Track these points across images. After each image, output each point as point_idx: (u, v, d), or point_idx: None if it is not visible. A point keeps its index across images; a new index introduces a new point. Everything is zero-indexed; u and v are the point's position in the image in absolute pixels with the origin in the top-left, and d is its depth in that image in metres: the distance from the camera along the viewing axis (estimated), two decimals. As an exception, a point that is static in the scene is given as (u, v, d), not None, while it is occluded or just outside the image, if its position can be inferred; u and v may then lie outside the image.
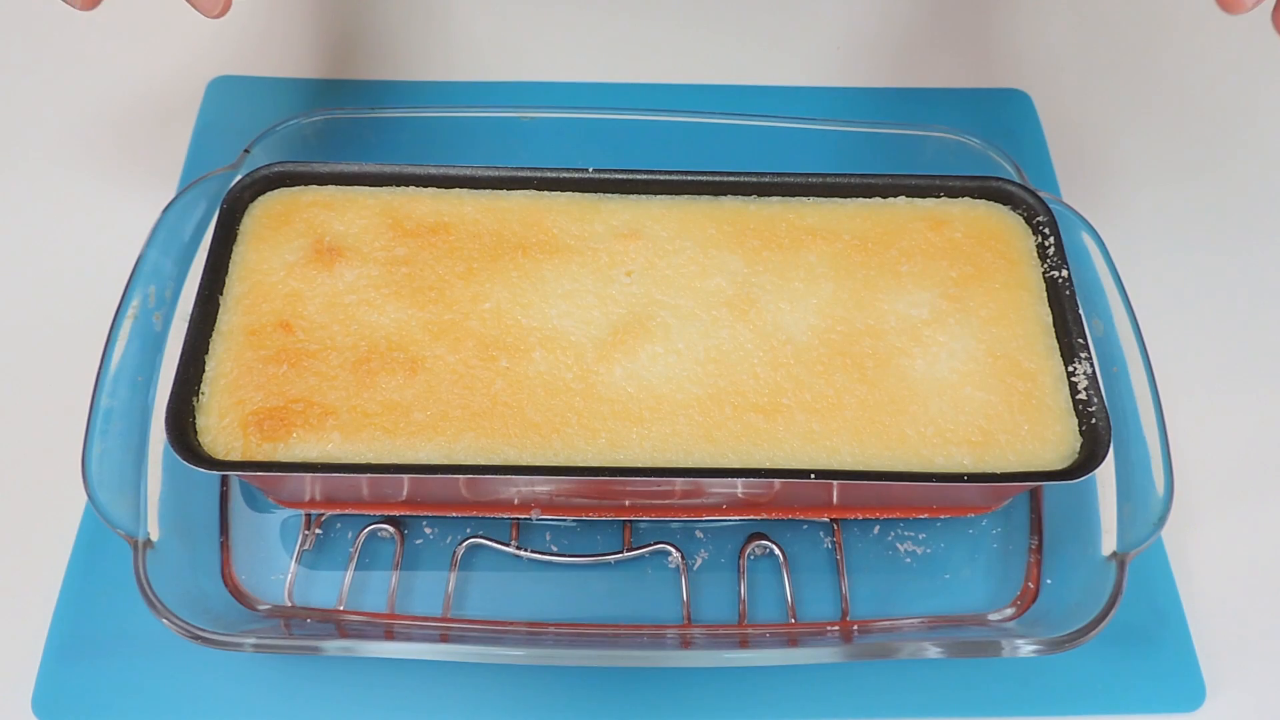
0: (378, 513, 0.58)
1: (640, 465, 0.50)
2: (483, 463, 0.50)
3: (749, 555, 0.58)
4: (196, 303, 0.53)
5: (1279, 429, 0.66)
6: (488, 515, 0.58)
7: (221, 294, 0.54)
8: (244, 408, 0.50)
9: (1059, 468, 0.51)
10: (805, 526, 0.59)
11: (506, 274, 0.55)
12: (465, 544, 0.57)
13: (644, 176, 0.59)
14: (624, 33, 0.83)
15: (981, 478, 0.50)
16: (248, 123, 0.74)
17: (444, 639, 0.54)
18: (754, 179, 0.59)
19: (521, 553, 0.57)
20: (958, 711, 0.55)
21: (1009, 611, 0.56)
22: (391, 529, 0.58)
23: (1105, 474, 0.54)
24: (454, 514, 0.58)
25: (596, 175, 0.59)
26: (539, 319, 0.54)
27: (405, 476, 0.50)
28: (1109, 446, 0.50)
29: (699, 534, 0.59)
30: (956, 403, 0.52)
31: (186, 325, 0.52)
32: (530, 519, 0.58)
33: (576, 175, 0.59)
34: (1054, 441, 0.51)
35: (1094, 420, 0.51)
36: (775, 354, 0.53)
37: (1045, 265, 0.57)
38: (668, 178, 0.59)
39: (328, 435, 0.50)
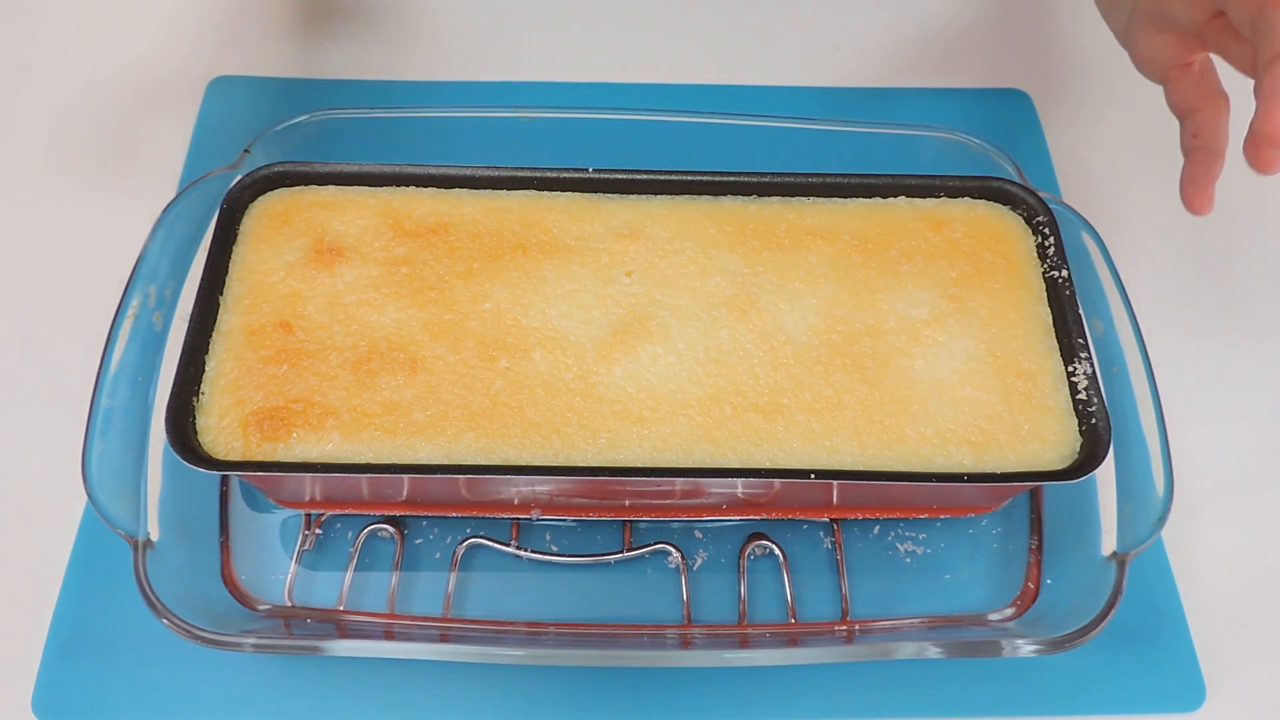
0: (378, 513, 0.58)
1: (640, 465, 0.50)
2: (483, 463, 0.50)
3: (749, 555, 0.58)
4: (196, 303, 0.53)
5: (1279, 429, 0.66)
6: (488, 515, 0.58)
7: (221, 294, 0.54)
8: (244, 408, 0.50)
9: (1059, 468, 0.51)
10: (805, 526, 0.59)
11: (506, 274, 0.55)
12: (465, 544, 0.57)
13: (644, 176, 0.59)
14: (624, 33, 0.83)
15: (981, 478, 0.50)
16: (248, 123, 0.74)
17: (444, 639, 0.54)
18: (754, 179, 0.59)
19: (521, 553, 0.57)
20: (958, 711, 0.55)
21: (1009, 611, 0.56)
22: (391, 529, 0.58)
23: (1105, 474, 0.54)
24: (454, 514, 0.58)
25: (596, 175, 0.59)
26: (539, 319, 0.54)
27: (405, 476, 0.50)
28: (1109, 446, 0.50)
29: (699, 534, 0.59)
30: (956, 403, 0.52)
31: (186, 325, 0.53)
32: (530, 519, 0.58)
33: (576, 175, 0.59)
34: (1054, 441, 0.51)
35: (1094, 420, 0.51)
36: (775, 354, 0.53)
37: (1045, 265, 0.57)
38: (668, 178, 0.59)
39: (328, 435, 0.50)
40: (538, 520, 0.58)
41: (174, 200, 0.59)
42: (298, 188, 0.58)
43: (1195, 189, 0.56)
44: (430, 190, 0.58)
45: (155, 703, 0.54)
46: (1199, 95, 0.57)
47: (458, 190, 0.59)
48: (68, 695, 0.54)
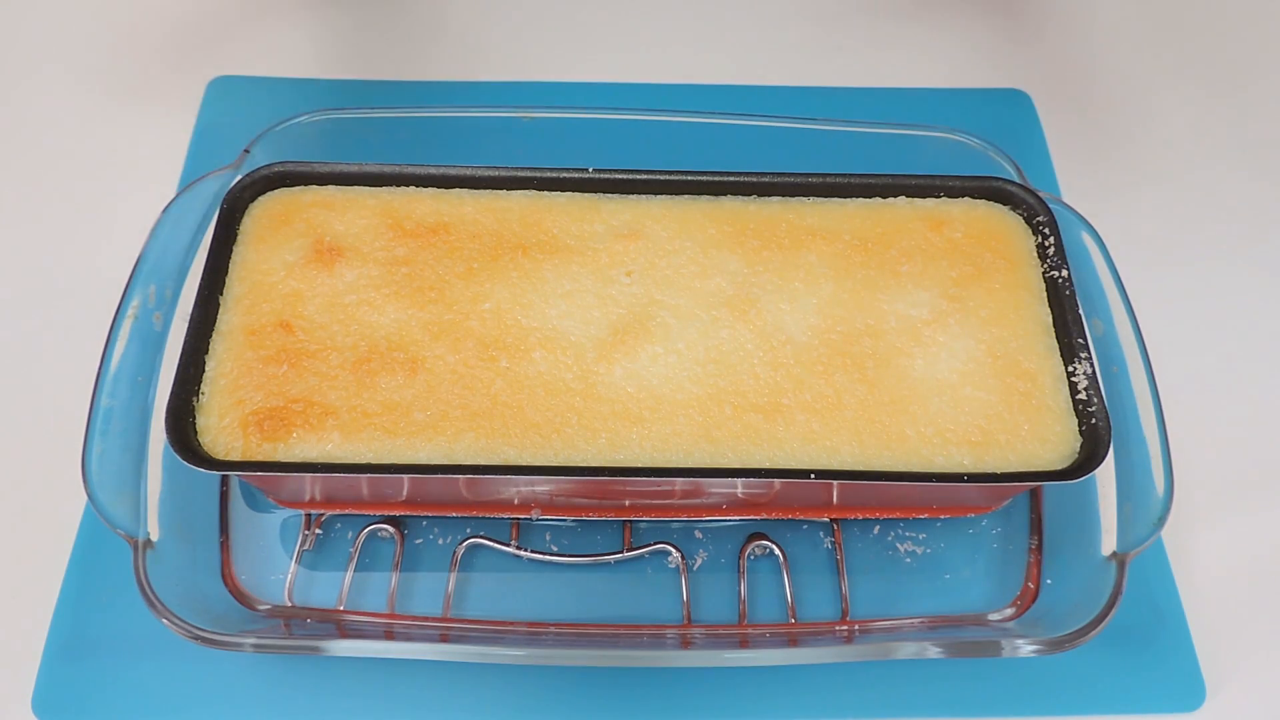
0: (378, 513, 0.58)
1: (640, 465, 0.50)
2: (483, 463, 0.50)
3: (749, 555, 0.58)
4: (196, 303, 0.53)
5: (1279, 429, 0.66)
6: (488, 515, 0.58)
7: (221, 294, 0.54)
8: (244, 408, 0.50)
9: (1059, 468, 0.51)
10: (805, 526, 0.59)
11: (506, 274, 0.55)
12: (465, 544, 0.57)
13: (644, 176, 0.59)
14: (624, 33, 0.83)
15: (981, 478, 0.50)
16: (248, 123, 0.74)
17: (444, 639, 0.54)
18: (754, 179, 0.59)
19: (521, 553, 0.57)
20: (958, 711, 0.55)
21: (1009, 611, 0.56)
22: (391, 529, 0.58)
23: (1105, 474, 0.54)
24: (454, 514, 0.58)
25: (596, 175, 0.59)
26: (539, 319, 0.54)
27: (405, 476, 0.50)
28: (1109, 446, 0.50)
29: (699, 534, 0.59)
30: (956, 403, 0.52)
31: (186, 325, 0.52)
32: (530, 519, 0.58)
33: (576, 175, 0.59)
34: (1054, 441, 0.51)
35: (1094, 420, 0.51)
36: (775, 354, 0.53)
37: (1045, 265, 0.57)
38: (668, 178, 0.59)
39: (328, 435, 0.50)
40: (538, 520, 0.58)
41: (174, 200, 0.59)
42: (298, 188, 0.58)
43: None
44: (430, 190, 0.58)
45: (155, 703, 0.54)
46: None
47: (458, 190, 0.59)
48: (68, 695, 0.54)
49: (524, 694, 0.55)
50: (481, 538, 0.57)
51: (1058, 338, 0.54)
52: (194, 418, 0.51)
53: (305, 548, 0.57)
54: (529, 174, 0.58)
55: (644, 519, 0.59)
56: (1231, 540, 0.61)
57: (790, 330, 0.54)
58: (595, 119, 0.65)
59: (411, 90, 0.78)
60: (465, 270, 0.55)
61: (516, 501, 0.57)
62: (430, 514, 0.58)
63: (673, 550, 0.58)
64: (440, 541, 0.58)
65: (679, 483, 0.52)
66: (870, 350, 0.53)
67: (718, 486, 0.54)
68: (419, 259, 0.55)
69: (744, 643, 0.55)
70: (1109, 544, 0.53)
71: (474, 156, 0.60)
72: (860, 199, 0.59)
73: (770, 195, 0.59)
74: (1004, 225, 0.58)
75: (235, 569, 0.56)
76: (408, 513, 0.58)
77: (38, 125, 0.76)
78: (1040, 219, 0.58)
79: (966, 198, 0.59)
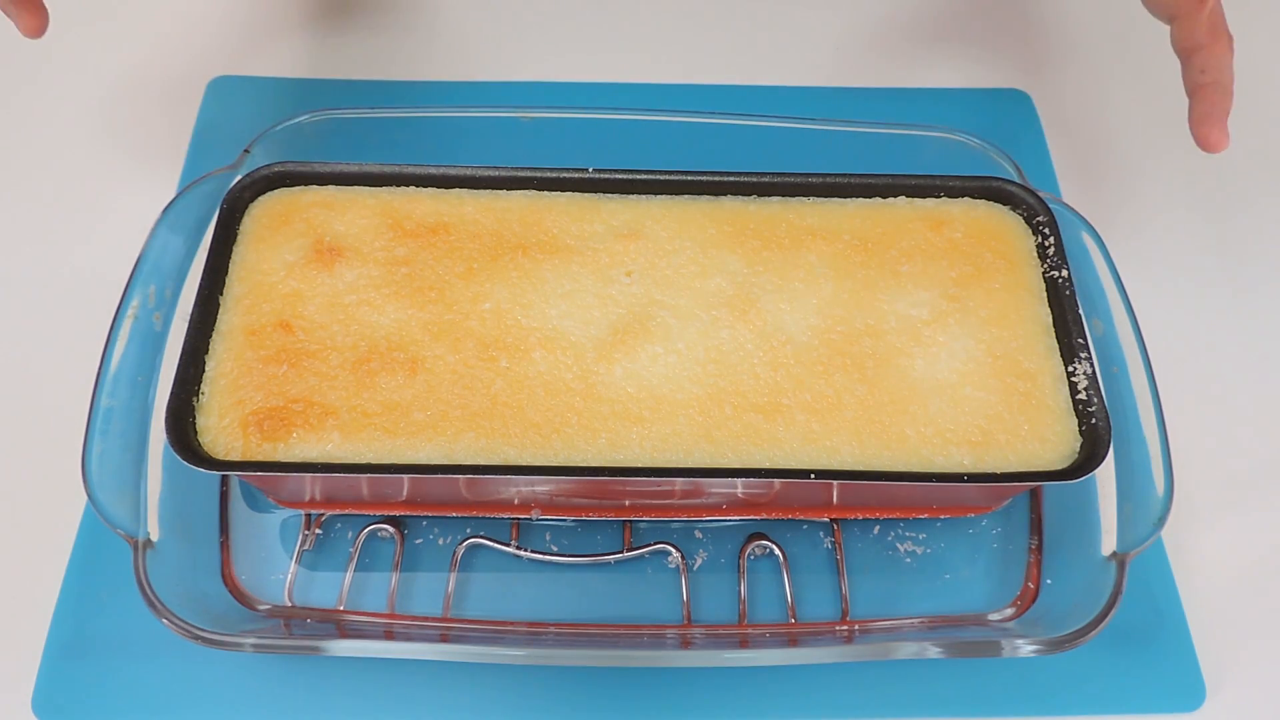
0: (378, 513, 0.58)
1: (640, 465, 0.50)
2: (483, 463, 0.50)
3: (749, 555, 0.58)
4: (196, 303, 0.53)
5: (1279, 429, 0.66)
6: (488, 515, 0.58)
7: (221, 294, 0.54)
8: (244, 408, 0.50)
9: (1059, 468, 0.51)
10: (805, 526, 0.59)
11: (506, 274, 0.55)
12: (465, 544, 0.57)
13: (644, 176, 0.59)
14: (624, 33, 0.83)
15: (981, 478, 0.50)
16: (248, 123, 0.74)
17: (444, 639, 0.54)
18: (754, 179, 0.59)
19: (521, 553, 0.57)
20: (958, 711, 0.55)
21: (1009, 611, 0.56)
22: (391, 529, 0.58)
23: (1105, 474, 0.54)
24: (454, 514, 0.58)
25: (596, 175, 0.59)
26: (539, 319, 0.54)
27: (405, 476, 0.50)
28: (1109, 446, 0.50)
29: (699, 534, 0.59)
30: (956, 403, 0.52)
31: (186, 325, 0.53)
32: (530, 519, 0.58)
33: (576, 175, 0.59)
34: (1054, 441, 0.51)
35: (1094, 420, 0.51)
36: (775, 354, 0.53)
37: (1045, 265, 0.57)
38: (668, 178, 0.59)
39: (328, 435, 0.50)
40: (538, 520, 0.58)
41: (174, 200, 0.59)
42: (298, 188, 0.58)
43: (1211, 125, 0.55)
44: (430, 190, 0.58)
45: (155, 703, 0.54)
46: (1208, 32, 0.56)
47: (458, 190, 0.59)
48: (68, 695, 0.54)
49: (524, 694, 0.55)
50: (481, 538, 0.57)
51: (1058, 338, 0.54)
52: (194, 418, 0.51)
53: (305, 548, 0.57)
54: (529, 174, 0.58)
55: (644, 519, 0.59)
56: (1231, 540, 0.61)
57: (790, 330, 0.54)
58: (595, 119, 0.65)
59: (411, 90, 0.78)
60: (465, 270, 0.55)
61: (516, 501, 0.57)
62: (430, 514, 0.58)
63: (673, 550, 0.58)
64: (440, 541, 0.58)
65: (679, 483, 0.52)
66: (870, 350, 0.53)
67: (718, 486, 0.54)
68: (419, 259, 0.55)
69: (744, 643, 0.55)
70: (1109, 544, 0.53)
71: (474, 156, 0.60)
72: (860, 199, 0.59)
73: (770, 195, 0.59)
74: (1004, 225, 0.58)
75: (235, 569, 0.56)
76: (408, 513, 0.58)
77: (37, 125, 0.76)
78: (1040, 219, 0.58)
79: (966, 198, 0.60)
